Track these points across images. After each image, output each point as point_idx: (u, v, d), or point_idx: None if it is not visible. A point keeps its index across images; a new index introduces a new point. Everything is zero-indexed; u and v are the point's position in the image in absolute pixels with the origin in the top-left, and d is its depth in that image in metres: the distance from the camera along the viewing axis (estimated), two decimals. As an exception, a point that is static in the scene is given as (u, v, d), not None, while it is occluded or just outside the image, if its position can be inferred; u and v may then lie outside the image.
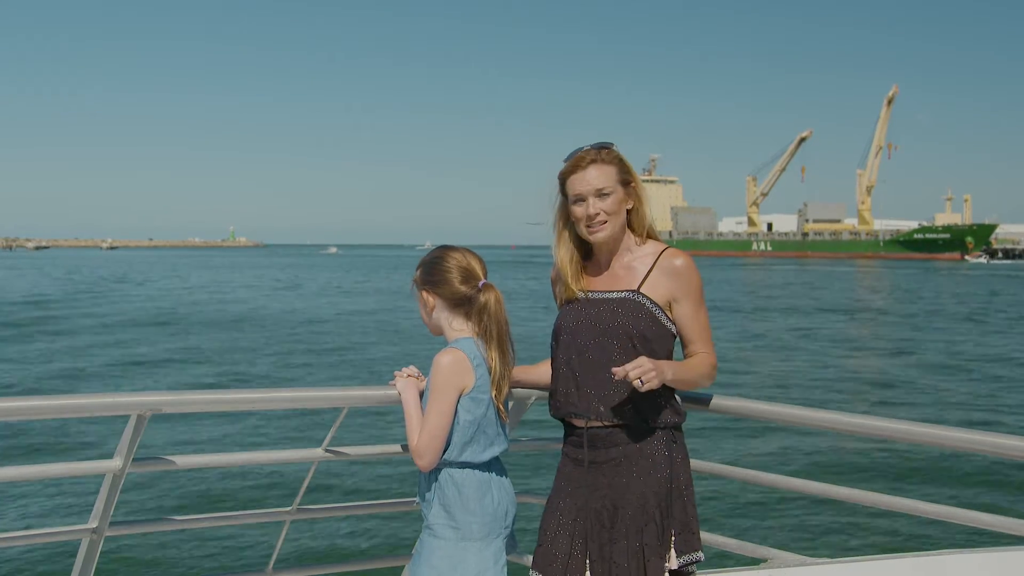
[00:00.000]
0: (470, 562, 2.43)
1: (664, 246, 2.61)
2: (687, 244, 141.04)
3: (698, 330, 2.58)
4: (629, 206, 2.60)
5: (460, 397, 2.44)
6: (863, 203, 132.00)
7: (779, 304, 38.29)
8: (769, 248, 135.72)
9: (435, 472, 2.48)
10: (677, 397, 2.57)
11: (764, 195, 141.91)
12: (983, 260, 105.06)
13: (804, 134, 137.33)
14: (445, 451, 2.45)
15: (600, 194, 2.53)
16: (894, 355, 21.77)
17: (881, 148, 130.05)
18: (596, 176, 2.53)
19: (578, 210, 2.56)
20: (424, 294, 2.56)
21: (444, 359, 2.44)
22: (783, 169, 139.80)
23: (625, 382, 2.39)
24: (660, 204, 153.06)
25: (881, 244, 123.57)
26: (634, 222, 2.62)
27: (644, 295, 2.53)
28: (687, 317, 2.56)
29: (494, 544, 2.48)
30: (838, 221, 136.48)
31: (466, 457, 2.45)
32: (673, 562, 2.44)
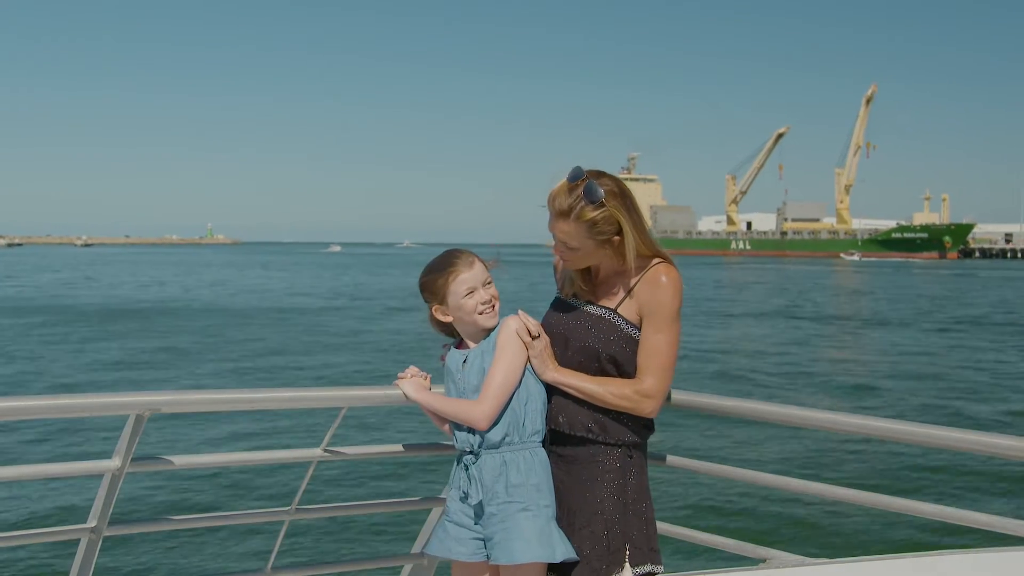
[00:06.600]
0: (555, 535, 2.40)
1: (659, 261, 2.46)
2: (666, 243, 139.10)
3: (646, 353, 2.40)
4: (611, 248, 2.42)
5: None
6: (842, 202, 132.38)
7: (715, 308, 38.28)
8: (748, 247, 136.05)
9: (517, 451, 2.42)
10: (638, 418, 2.47)
11: (743, 193, 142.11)
12: (856, 258, 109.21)
13: (781, 130, 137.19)
14: (523, 425, 2.42)
15: (567, 246, 2.43)
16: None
17: (860, 147, 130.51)
18: (562, 231, 2.40)
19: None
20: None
21: (513, 323, 2.42)
22: (761, 167, 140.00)
23: (578, 399, 2.41)
24: (639, 202, 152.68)
25: (859, 243, 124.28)
26: (620, 253, 2.43)
27: (620, 315, 2.43)
28: (644, 336, 2.41)
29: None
30: (817, 220, 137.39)
31: (539, 427, 2.44)
32: None
